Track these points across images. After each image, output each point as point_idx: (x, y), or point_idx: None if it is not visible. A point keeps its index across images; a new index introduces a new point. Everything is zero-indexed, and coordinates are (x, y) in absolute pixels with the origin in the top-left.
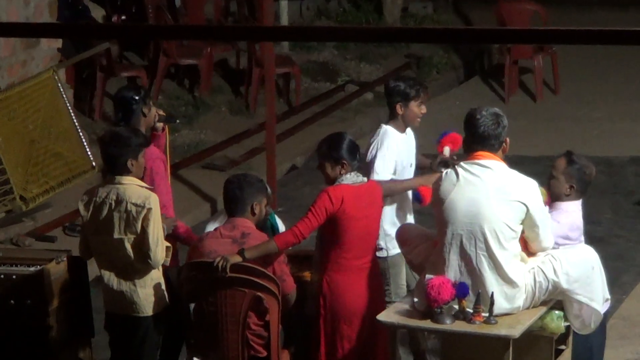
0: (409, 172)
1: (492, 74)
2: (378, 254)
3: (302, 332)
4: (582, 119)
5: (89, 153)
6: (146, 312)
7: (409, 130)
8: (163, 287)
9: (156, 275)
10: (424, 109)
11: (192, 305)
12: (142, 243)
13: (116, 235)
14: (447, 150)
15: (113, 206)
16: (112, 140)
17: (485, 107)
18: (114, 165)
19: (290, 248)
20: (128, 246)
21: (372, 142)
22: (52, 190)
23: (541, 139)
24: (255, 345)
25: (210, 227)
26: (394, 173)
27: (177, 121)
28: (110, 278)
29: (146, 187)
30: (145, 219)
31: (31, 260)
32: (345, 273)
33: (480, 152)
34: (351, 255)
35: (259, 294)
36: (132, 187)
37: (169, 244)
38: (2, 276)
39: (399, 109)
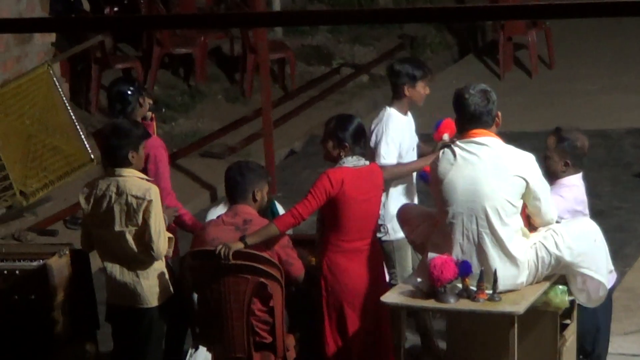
0: (412, 155)
1: (487, 51)
2: (383, 237)
3: (307, 317)
4: (577, 93)
5: (87, 146)
6: (150, 303)
7: (409, 114)
8: (166, 277)
9: (159, 266)
10: (428, 90)
11: (195, 294)
12: (143, 235)
13: (117, 228)
14: (446, 136)
15: (113, 199)
16: (113, 132)
17: (472, 85)
18: (114, 157)
19: (291, 232)
20: (129, 238)
21: (377, 125)
22: (52, 184)
23: (538, 114)
24: (260, 331)
25: (212, 215)
26: (398, 156)
27: (163, 110)
28: (113, 270)
29: (146, 179)
30: (146, 211)
31: (33, 255)
32: (345, 255)
33: (474, 130)
34: (351, 237)
35: (262, 280)
36: (132, 179)
37: (171, 235)
38: (5, 272)
39: (406, 91)
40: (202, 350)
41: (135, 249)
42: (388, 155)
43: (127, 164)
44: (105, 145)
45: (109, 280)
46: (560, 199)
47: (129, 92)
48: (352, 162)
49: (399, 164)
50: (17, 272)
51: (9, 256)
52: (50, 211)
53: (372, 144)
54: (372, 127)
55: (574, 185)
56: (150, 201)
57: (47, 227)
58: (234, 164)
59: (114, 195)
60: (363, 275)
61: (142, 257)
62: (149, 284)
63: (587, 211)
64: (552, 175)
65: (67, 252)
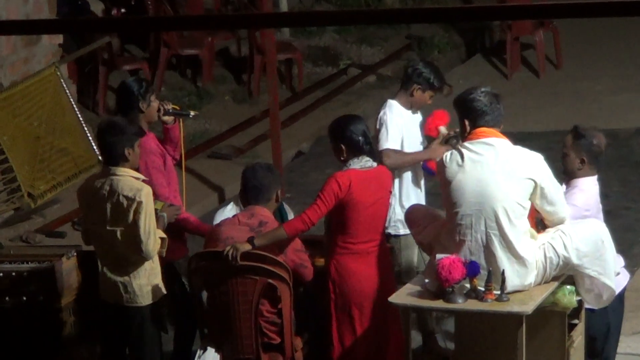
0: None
1: (494, 51)
2: (393, 231)
3: (315, 318)
4: (585, 93)
5: (95, 147)
6: (141, 302)
7: (418, 112)
8: (159, 277)
9: (149, 267)
10: (431, 101)
11: (204, 295)
12: (133, 235)
13: (109, 227)
14: (443, 129)
15: (106, 197)
16: (109, 128)
17: (476, 87)
18: (110, 154)
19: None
20: (120, 238)
21: (379, 115)
22: (60, 186)
23: (545, 114)
24: (268, 332)
25: (220, 216)
26: (402, 148)
27: (191, 115)
28: (105, 268)
29: (141, 178)
30: (136, 212)
31: (42, 257)
32: (352, 257)
33: (483, 129)
34: (358, 239)
35: (271, 281)
36: (126, 179)
37: (164, 236)
38: (13, 273)
39: (415, 92)
40: (211, 351)
41: (126, 249)
42: (389, 140)
43: (124, 160)
44: (101, 142)
45: (102, 278)
46: (572, 204)
47: (132, 96)
48: (359, 163)
49: (401, 152)
50: (25, 273)
51: (18, 258)
52: (58, 213)
53: (375, 133)
54: (376, 119)
55: (587, 189)
56: (140, 202)
57: (55, 228)
58: (253, 167)
59: (107, 194)
60: (371, 277)
61: (132, 257)
62: (140, 284)
63: (600, 215)
64: (568, 174)
65: (75, 253)
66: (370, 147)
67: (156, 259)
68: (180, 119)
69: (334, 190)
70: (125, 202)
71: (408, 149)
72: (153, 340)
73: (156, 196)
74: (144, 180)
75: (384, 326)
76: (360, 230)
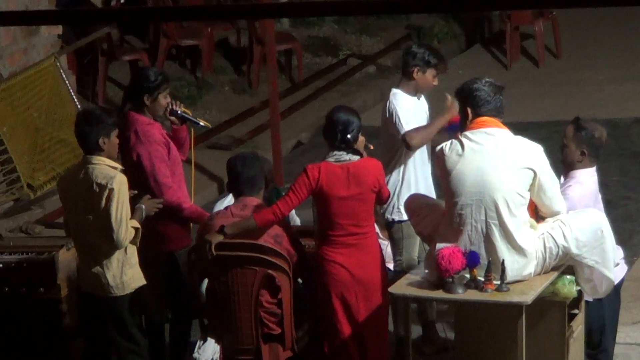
0: None
1: (494, 41)
2: (397, 217)
3: (314, 309)
4: (585, 83)
5: None
6: (116, 293)
7: (422, 97)
8: (135, 268)
9: (122, 257)
10: (436, 81)
11: (203, 287)
12: (105, 223)
13: (82, 215)
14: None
15: (81, 186)
16: (84, 118)
17: (479, 78)
18: (85, 143)
19: (299, 222)
20: (93, 226)
21: (387, 106)
22: (59, 176)
23: (545, 104)
24: (268, 322)
25: (219, 207)
26: None
27: (201, 124)
28: (81, 257)
29: (119, 168)
30: (108, 199)
31: (41, 248)
32: (334, 247)
33: (485, 118)
34: (337, 231)
35: (270, 271)
36: (100, 167)
37: (137, 226)
38: (13, 264)
39: (415, 74)
40: (211, 342)
41: (97, 238)
42: (404, 124)
43: (98, 150)
44: (77, 131)
45: (79, 268)
46: (568, 197)
47: (140, 87)
48: (334, 156)
49: (422, 127)
50: (24, 264)
51: (17, 249)
52: (57, 204)
53: (386, 123)
54: (383, 110)
55: (585, 182)
56: (111, 189)
57: (55, 220)
58: (241, 158)
59: (81, 183)
60: (352, 269)
61: (104, 246)
62: (113, 274)
63: (600, 205)
64: (567, 166)
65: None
66: (348, 142)
67: (133, 249)
68: (189, 126)
69: (304, 181)
70: (97, 190)
71: None
72: (131, 329)
73: (158, 185)
74: (121, 170)
75: (368, 317)
76: (338, 223)
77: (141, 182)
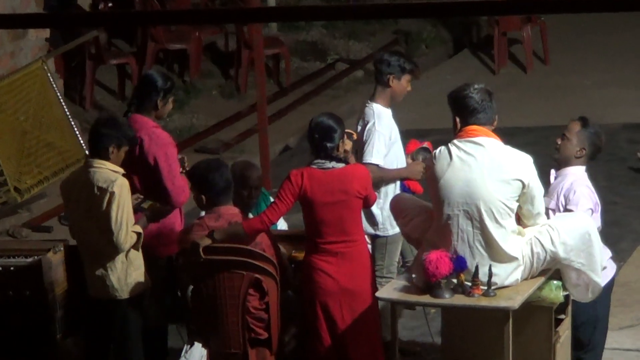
0: (398, 146)
1: (482, 46)
2: (380, 232)
3: (301, 314)
4: (573, 88)
5: (82, 142)
6: (120, 296)
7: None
8: (139, 271)
9: (126, 260)
10: (410, 87)
11: (189, 291)
12: (106, 226)
13: (85, 219)
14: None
15: (82, 189)
16: (107, 121)
17: (471, 84)
18: (95, 145)
19: (285, 227)
20: (96, 230)
21: (366, 124)
22: (46, 180)
23: (532, 109)
24: (255, 327)
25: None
26: (386, 150)
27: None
28: (86, 260)
29: (121, 172)
30: (108, 203)
31: (28, 251)
32: (320, 254)
33: (475, 127)
34: (324, 238)
35: (257, 276)
36: (102, 171)
37: (140, 231)
38: (0, 268)
39: (391, 81)
40: (198, 346)
41: (99, 241)
42: (374, 154)
43: (104, 156)
44: (91, 131)
45: (85, 271)
46: (585, 210)
47: (155, 89)
48: (318, 163)
49: (383, 169)
50: (11, 268)
51: (4, 252)
52: (44, 207)
53: (361, 141)
54: (360, 124)
55: (581, 177)
56: (112, 193)
57: (42, 223)
58: (206, 167)
59: (83, 186)
60: (338, 276)
61: (108, 249)
62: (117, 277)
63: (598, 209)
64: (562, 160)
65: (62, 248)
66: (327, 151)
67: (138, 252)
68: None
69: (288, 187)
70: (98, 193)
71: (389, 145)
72: (135, 333)
73: (175, 187)
74: (123, 175)
75: (355, 324)
76: (324, 230)
77: (151, 186)
